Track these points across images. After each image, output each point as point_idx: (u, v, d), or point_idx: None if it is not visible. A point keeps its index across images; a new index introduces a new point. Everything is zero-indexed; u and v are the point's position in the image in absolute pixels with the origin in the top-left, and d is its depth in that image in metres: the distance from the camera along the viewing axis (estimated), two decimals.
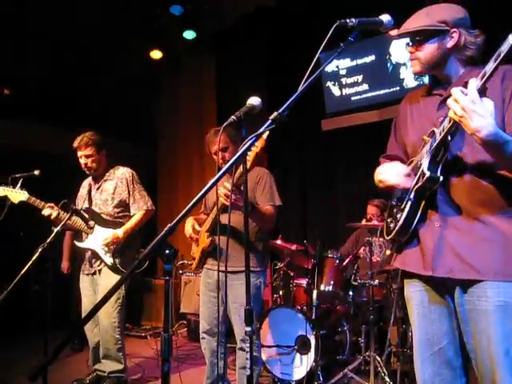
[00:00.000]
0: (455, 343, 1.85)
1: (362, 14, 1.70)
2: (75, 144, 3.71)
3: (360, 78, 5.59)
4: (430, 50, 1.84)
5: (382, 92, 5.43)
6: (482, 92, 1.56)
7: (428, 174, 1.72)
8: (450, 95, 1.82)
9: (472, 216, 1.75)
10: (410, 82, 5.19)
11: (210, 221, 3.17)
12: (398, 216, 1.88)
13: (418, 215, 1.83)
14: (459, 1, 1.93)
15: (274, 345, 3.79)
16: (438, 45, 1.83)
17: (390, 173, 1.93)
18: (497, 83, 1.70)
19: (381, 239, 4.68)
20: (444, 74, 1.89)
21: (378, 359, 3.66)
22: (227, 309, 3.15)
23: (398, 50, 5.25)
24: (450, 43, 1.82)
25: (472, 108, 1.51)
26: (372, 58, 5.47)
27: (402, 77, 5.27)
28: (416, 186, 1.79)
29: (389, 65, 5.36)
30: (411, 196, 1.82)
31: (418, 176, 1.79)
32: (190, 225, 3.31)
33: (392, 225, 1.93)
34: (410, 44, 1.89)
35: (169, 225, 1.33)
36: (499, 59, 1.50)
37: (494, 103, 1.59)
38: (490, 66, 1.53)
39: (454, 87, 1.58)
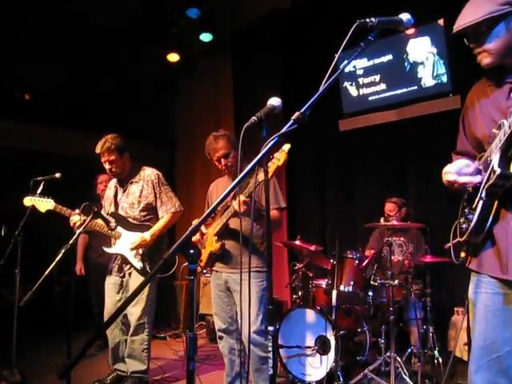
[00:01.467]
0: None
1: (375, 15, 1.67)
2: (98, 150, 3.68)
3: (377, 77, 5.56)
4: (499, 37, 1.70)
5: (399, 92, 5.39)
6: None
7: (499, 170, 1.64)
8: None
9: None
10: (427, 81, 5.15)
11: (219, 224, 3.20)
12: (470, 216, 1.80)
13: (492, 214, 1.74)
14: None
15: (294, 345, 3.78)
16: (506, 29, 1.69)
17: (455, 172, 1.81)
18: None
19: (401, 238, 4.65)
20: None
21: (399, 360, 3.64)
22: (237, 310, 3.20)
23: (415, 49, 5.21)
24: None
25: None
26: (389, 57, 5.44)
27: (419, 76, 5.23)
28: (487, 184, 1.71)
29: (406, 64, 5.33)
30: (483, 194, 1.74)
31: (488, 173, 1.71)
32: None
33: (464, 225, 1.86)
34: (471, 38, 1.76)
35: (193, 225, 1.35)
36: None
37: None
38: None
39: None
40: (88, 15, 5.33)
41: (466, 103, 2.01)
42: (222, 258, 3.24)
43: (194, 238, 3.29)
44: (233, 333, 3.26)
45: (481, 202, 1.74)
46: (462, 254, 1.93)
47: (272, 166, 2.41)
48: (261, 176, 2.57)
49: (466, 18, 1.72)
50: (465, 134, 2.03)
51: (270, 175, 2.47)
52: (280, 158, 2.37)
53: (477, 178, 1.76)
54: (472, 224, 1.77)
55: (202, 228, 3.28)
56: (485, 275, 1.82)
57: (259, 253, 3.18)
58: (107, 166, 3.72)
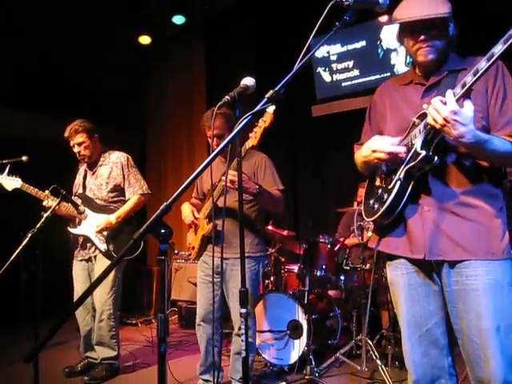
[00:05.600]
0: (442, 323, 1.87)
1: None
2: (66, 134, 3.65)
3: (351, 63, 5.57)
4: (447, 37, 1.79)
5: (372, 78, 5.42)
6: (468, 93, 1.58)
7: (423, 153, 1.70)
8: (434, 83, 1.83)
9: (460, 199, 1.76)
10: (400, 67, 5.18)
11: (208, 207, 3.12)
12: (385, 197, 1.85)
13: (406, 197, 1.80)
14: None
15: (267, 330, 3.79)
16: (452, 32, 1.80)
17: (383, 142, 1.83)
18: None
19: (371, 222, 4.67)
20: (441, 62, 1.84)
21: (370, 343, 3.69)
22: (225, 295, 3.13)
23: (389, 35, 5.23)
24: (454, 31, 1.80)
25: (453, 118, 1.55)
26: (363, 43, 5.45)
27: (392, 62, 5.26)
28: (407, 166, 1.77)
29: (379, 50, 5.35)
30: (401, 176, 1.79)
31: (409, 156, 1.76)
32: (188, 210, 3.21)
33: (376, 206, 1.91)
34: (419, 31, 1.77)
35: (164, 203, 1.31)
36: (492, 60, 1.51)
37: (477, 96, 1.65)
38: (482, 66, 1.53)
39: (435, 97, 1.60)
40: None
41: (374, 98, 2.12)
42: (215, 240, 3.03)
43: (193, 221, 3.17)
44: (211, 321, 3.20)
45: (398, 183, 1.79)
46: (369, 234, 1.99)
47: (258, 130, 2.36)
48: (249, 142, 2.51)
49: (421, 10, 1.72)
50: (370, 126, 2.12)
51: (258, 139, 2.43)
52: (266, 119, 2.32)
53: (403, 148, 1.78)
54: (386, 205, 1.82)
55: (195, 213, 3.19)
56: (399, 257, 1.91)
57: (253, 237, 3.10)
58: (76, 150, 3.68)
